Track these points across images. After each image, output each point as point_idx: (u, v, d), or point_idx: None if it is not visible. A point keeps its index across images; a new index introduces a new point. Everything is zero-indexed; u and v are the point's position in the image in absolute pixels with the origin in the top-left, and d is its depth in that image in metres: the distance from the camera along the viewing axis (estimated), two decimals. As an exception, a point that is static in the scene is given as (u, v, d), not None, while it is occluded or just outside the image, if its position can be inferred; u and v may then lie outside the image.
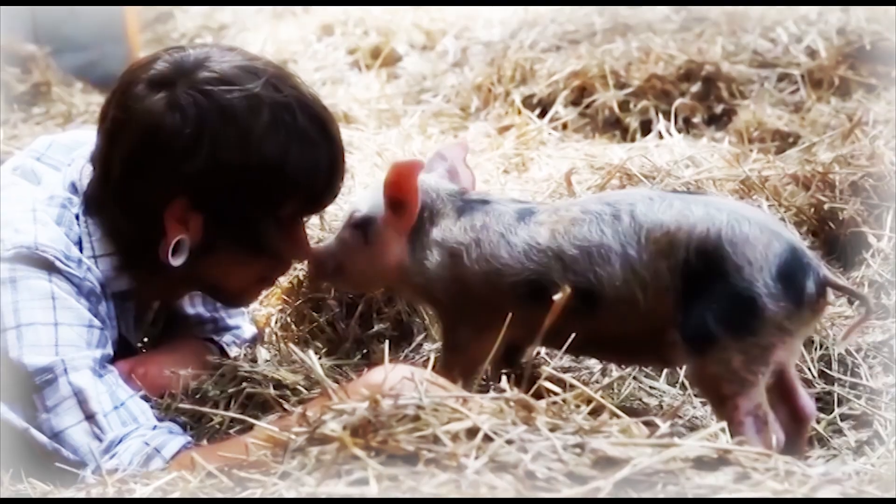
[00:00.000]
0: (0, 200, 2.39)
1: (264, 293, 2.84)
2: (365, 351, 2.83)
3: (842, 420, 2.57)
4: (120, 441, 2.23)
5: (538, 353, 2.68)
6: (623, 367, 2.72)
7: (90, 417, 2.25)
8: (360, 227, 2.51)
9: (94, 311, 2.36)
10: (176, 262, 2.38)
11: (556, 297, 1.93)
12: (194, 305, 2.81)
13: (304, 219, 2.53)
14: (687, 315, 2.24)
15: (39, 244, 2.30)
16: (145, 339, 2.73)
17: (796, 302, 2.20)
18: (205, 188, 2.34)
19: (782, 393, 2.31)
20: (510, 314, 2.23)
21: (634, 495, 1.61)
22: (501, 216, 2.41)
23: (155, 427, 2.27)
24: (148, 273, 2.47)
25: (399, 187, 2.42)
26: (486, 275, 2.38)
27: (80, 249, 2.39)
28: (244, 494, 1.78)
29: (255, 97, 2.33)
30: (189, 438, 2.28)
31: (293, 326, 2.93)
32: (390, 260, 2.49)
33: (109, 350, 2.37)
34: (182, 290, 2.67)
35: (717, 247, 2.21)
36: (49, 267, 2.30)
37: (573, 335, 2.26)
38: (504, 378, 1.91)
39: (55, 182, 2.45)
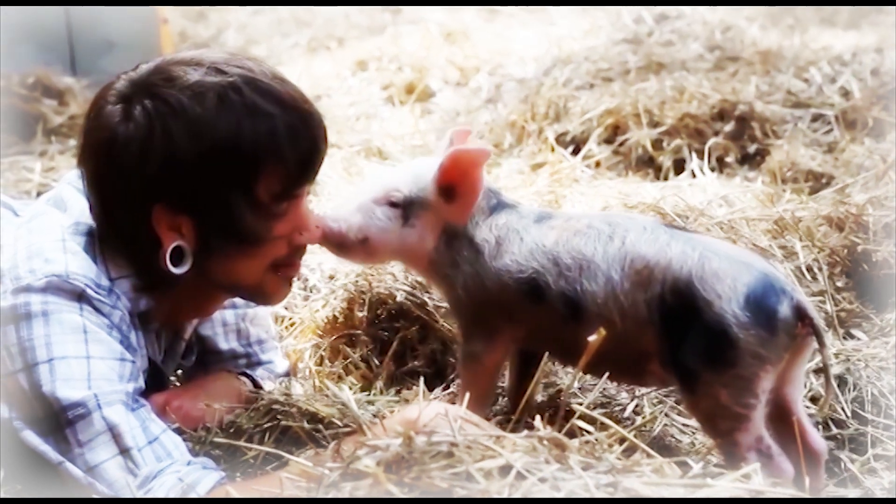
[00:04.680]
0: (30, 230, 2.39)
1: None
2: (399, 388, 2.84)
3: (875, 461, 2.56)
4: (154, 476, 2.21)
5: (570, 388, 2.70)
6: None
7: (124, 452, 2.23)
8: (401, 207, 2.54)
9: (126, 342, 2.35)
10: (179, 270, 2.36)
11: (591, 337, 1.95)
12: (228, 340, 2.82)
13: (297, 195, 2.42)
14: (669, 352, 2.29)
15: (70, 273, 2.29)
16: (179, 373, 2.74)
17: (769, 329, 2.21)
18: (173, 187, 2.31)
19: (791, 431, 2.31)
20: (546, 353, 2.27)
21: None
22: (522, 217, 2.50)
23: (189, 463, 2.26)
24: (166, 289, 2.45)
25: (454, 175, 2.48)
26: (498, 271, 2.46)
27: None
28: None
29: (198, 84, 2.31)
30: (223, 474, 2.25)
31: (327, 362, 2.94)
32: (426, 245, 2.55)
33: (141, 383, 2.36)
34: (211, 300, 2.61)
35: (688, 284, 2.26)
36: (80, 296, 2.29)
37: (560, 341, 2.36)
38: (538, 416, 1.92)
39: (81, 208, 2.44)
